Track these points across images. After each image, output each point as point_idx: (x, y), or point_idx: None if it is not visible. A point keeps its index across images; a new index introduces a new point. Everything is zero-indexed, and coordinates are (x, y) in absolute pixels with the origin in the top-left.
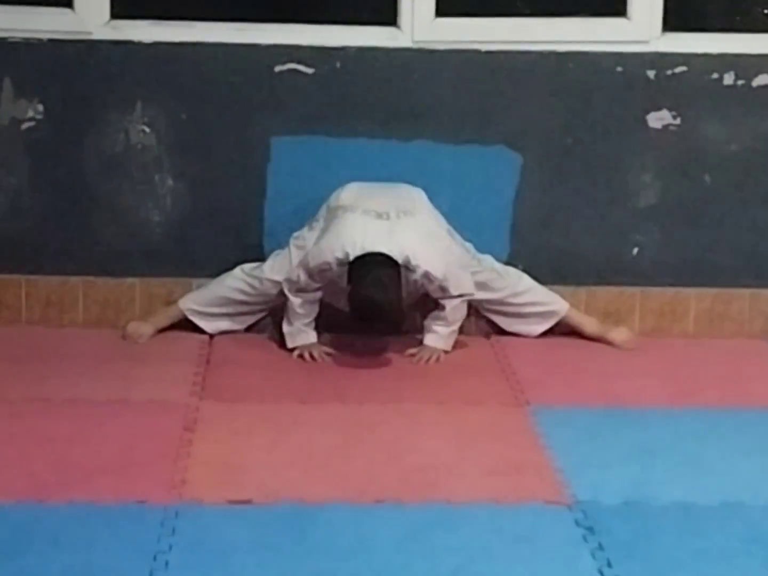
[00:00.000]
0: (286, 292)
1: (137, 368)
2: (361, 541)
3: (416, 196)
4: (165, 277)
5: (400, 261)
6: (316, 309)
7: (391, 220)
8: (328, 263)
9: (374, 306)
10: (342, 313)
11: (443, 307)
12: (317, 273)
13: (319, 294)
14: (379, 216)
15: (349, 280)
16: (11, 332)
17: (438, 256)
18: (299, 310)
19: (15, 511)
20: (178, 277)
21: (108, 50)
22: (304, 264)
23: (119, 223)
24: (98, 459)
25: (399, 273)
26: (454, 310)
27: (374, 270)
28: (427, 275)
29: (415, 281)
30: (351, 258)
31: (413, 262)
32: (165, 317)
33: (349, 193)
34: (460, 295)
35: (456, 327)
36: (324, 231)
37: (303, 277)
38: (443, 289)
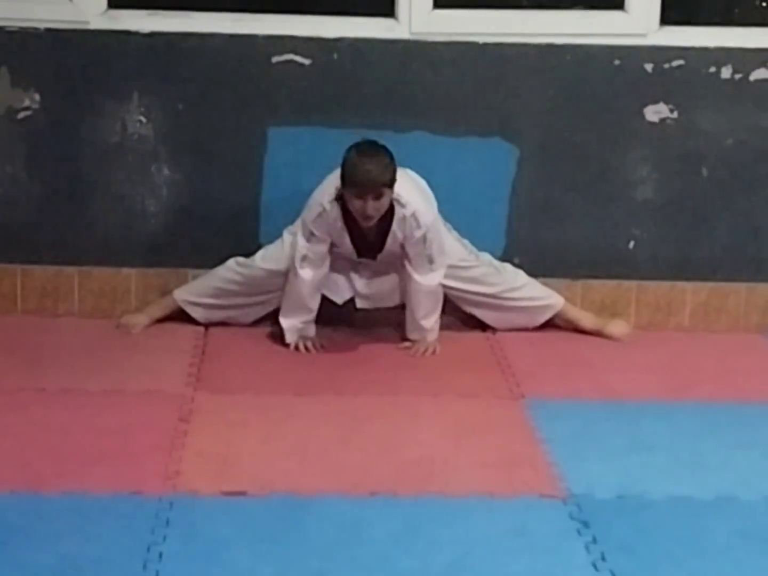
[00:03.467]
0: (296, 267)
1: (133, 359)
2: (355, 533)
3: (419, 177)
4: (161, 268)
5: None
6: (318, 297)
7: None
8: (321, 204)
9: (373, 148)
10: (339, 308)
11: (415, 289)
12: (314, 224)
13: (325, 268)
14: None
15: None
16: (6, 322)
17: (427, 208)
18: (304, 294)
19: (9, 502)
20: (174, 267)
21: (105, 40)
22: (301, 226)
23: (115, 213)
24: (93, 449)
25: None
26: (429, 296)
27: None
28: (415, 216)
29: (404, 219)
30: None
31: (404, 197)
32: (160, 308)
33: None
34: (435, 262)
35: (437, 314)
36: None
37: (302, 240)
38: (426, 240)
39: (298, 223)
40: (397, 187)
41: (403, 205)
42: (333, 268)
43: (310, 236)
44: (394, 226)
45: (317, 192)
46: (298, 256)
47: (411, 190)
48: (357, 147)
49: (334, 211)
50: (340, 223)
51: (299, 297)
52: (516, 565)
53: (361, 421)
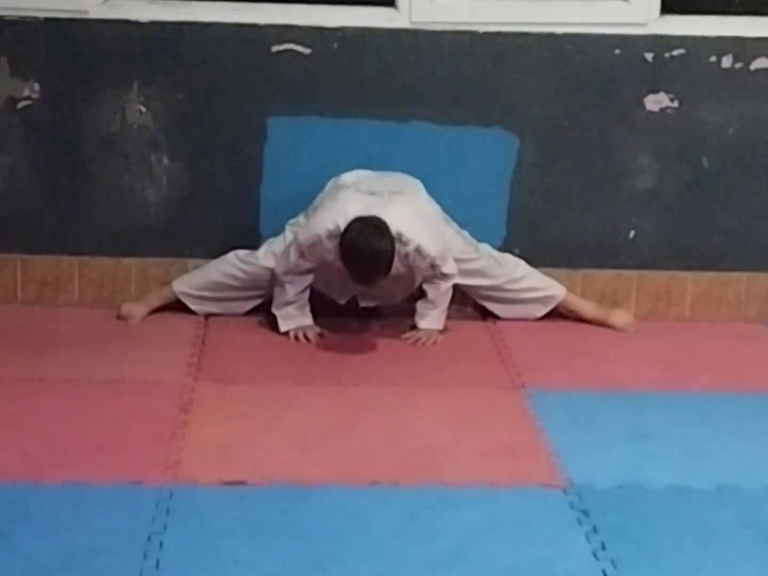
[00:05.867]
0: (277, 273)
1: (133, 348)
2: (356, 523)
3: (413, 183)
4: (161, 258)
5: (392, 232)
6: (306, 295)
7: (385, 197)
8: (318, 236)
9: (370, 251)
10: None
11: (430, 292)
12: (308, 249)
13: (310, 279)
14: (373, 194)
15: (342, 243)
16: (6, 312)
17: (430, 234)
18: (289, 295)
19: (9, 491)
20: (174, 257)
21: (105, 29)
22: (295, 242)
23: (115, 203)
24: (93, 439)
25: (391, 234)
26: (443, 294)
27: (368, 222)
28: (419, 250)
29: (407, 255)
30: (341, 229)
31: (405, 235)
32: (158, 298)
33: (346, 177)
34: (448, 276)
35: (445, 307)
36: (318, 208)
37: (294, 256)
38: (434, 267)
39: (300, 221)
40: (400, 225)
41: (405, 243)
42: (333, 275)
43: (300, 255)
44: (396, 261)
45: (320, 215)
46: (284, 265)
47: (413, 225)
48: (358, 237)
49: (331, 244)
50: (335, 255)
51: (286, 298)
52: (516, 554)
53: (361, 411)
